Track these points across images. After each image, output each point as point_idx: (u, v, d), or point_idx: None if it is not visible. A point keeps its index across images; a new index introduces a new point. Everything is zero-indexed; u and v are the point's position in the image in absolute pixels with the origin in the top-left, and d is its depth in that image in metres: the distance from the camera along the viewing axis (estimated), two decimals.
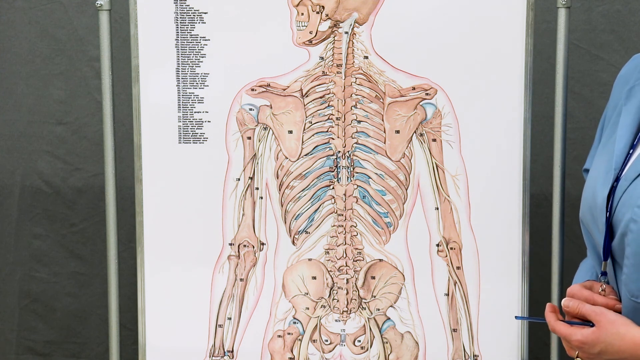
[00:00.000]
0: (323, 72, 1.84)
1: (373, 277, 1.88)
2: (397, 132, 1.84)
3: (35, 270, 2.51)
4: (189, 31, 1.84)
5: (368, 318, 1.90)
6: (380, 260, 1.88)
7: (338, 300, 1.89)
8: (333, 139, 1.86)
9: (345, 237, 1.87)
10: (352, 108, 1.85)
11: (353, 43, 1.83)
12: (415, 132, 1.84)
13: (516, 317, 1.82)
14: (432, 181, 1.85)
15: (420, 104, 1.83)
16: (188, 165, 1.88)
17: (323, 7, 1.82)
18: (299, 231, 1.88)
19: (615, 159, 1.42)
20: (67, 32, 2.41)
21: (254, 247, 1.89)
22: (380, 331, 1.90)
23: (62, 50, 2.42)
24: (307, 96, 1.85)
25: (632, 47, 2.17)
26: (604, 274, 1.44)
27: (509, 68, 1.80)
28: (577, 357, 1.44)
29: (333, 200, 1.87)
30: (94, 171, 2.45)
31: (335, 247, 1.88)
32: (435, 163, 1.84)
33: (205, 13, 1.84)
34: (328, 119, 1.85)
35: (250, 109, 1.86)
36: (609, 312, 1.40)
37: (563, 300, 1.45)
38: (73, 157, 2.46)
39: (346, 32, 1.82)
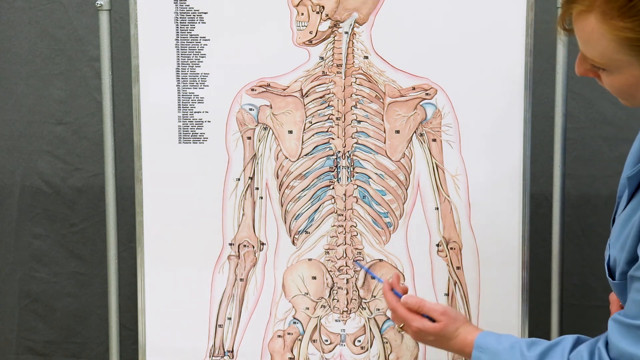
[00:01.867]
0: (323, 72, 1.84)
1: (373, 277, 1.88)
2: (397, 132, 1.84)
3: (35, 270, 2.51)
4: (189, 31, 1.84)
5: (368, 318, 1.90)
6: (380, 260, 1.88)
7: (338, 300, 1.89)
8: (333, 139, 1.86)
9: (345, 237, 1.87)
10: (352, 108, 1.85)
11: (353, 43, 1.83)
12: (415, 132, 1.84)
13: (355, 261, 1.84)
14: (432, 181, 1.85)
15: (420, 104, 1.83)
16: (188, 165, 1.88)
17: (323, 7, 1.82)
18: (299, 231, 1.88)
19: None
20: (67, 32, 2.41)
21: (254, 247, 1.89)
22: (380, 331, 1.90)
23: (62, 50, 2.42)
24: (307, 96, 1.85)
25: None
26: None
27: (509, 68, 1.80)
28: (400, 328, 1.64)
29: (333, 200, 1.87)
30: (94, 171, 2.45)
31: (335, 247, 1.88)
32: (435, 163, 1.84)
33: (205, 13, 1.84)
34: (328, 119, 1.85)
35: (250, 109, 1.86)
36: (451, 311, 1.61)
37: (403, 297, 1.63)
38: (73, 157, 2.46)
39: (346, 32, 1.82)
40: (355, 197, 1.86)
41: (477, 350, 1.54)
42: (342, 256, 1.88)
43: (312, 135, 1.86)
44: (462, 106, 1.82)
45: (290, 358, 1.91)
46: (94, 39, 2.29)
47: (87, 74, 2.42)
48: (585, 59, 1.38)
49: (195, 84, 1.86)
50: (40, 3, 2.40)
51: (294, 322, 1.91)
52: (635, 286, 1.34)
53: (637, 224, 1.35)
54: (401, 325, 1.64)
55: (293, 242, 1.89)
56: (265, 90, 1.85)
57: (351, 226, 1.87)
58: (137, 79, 1.86)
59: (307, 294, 1.90)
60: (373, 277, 1.83)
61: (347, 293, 1.89)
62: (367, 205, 1.86)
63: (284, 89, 1.85)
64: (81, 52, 2.41)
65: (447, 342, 1.60)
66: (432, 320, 1.59)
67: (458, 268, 1.85)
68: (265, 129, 1.86)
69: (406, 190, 1.86)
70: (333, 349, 1.91)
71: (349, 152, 1.86)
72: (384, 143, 1.85)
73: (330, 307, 1.90)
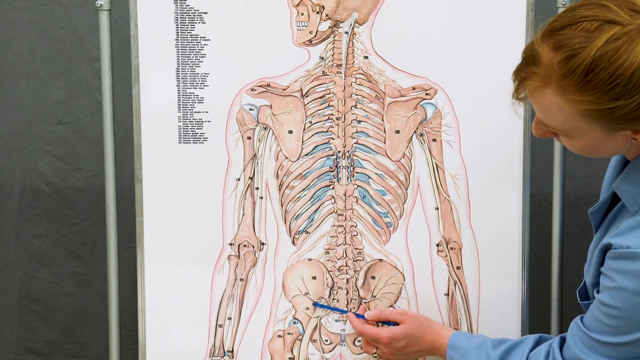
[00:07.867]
0: (323, 72, 1.84)
1: (373, 277, 1.88)
2: (397, 132, 1.84)
3: (35, 270, 2.51)
4: (189, 31, 1.84)
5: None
6: (380, 260, 1.88)
7: (338, 300, 1.89)
8: (333, 139, 1.86)
9: (345, 237, 1.88)
10: (352, 108, 1.85)
11: (353, 43, 1.83)
12: (415, 132, 1.84)
13: (314, 303, 1.88)
14: (432, 181, 1.85)
15: (420, 104, 1.83)
16: (188, 165, 1.88)
17: (323, 7, 1.82)
18: (299, 231, 1.88)
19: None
20: (67, 32, 2.41)
21: (254, 247, 1.89)
22: None
23: (62, 50, 2.42)
24: (307, 96, 1.85)
25: None
26: None
27: (509, 68, 1.80)
28: (374, 354, 1.79)
29: (333, 200, 1.87)
30: (94, 171, 2.45)
31: (335, 247, 1.88)
32: (435, 163, 1.84)
33: (205, 13, 1.84)
34: (328, 119, 1.85)
35: (250, 109, 1.86)
36: (410, 312, 1.78)
37: (366, 313, 1.81)
38: (73, 157, 2.46)
39: (346, 32, 1.82)
40: (355, 197, 1.86)
41: (450, 349, 1.66)
42: (342, 256, 1.88)
43: (312, 135, 1.86)
44: (462, 106, 1.82)
45: (290, 358, 1.91)
46: (94, 39, 2.29)
47: (87, 74, 2.42)
48: (543, 123, 1.40)
49: (195, 84, 1.86)
50: (40, 3, 2.41)
51: (294, 322, 1.91)
52: (595, 303, 1.45)
53: (597, 257, 1.47)
54: (374, 351, 1.78)
55: (293, 242, 1.89)
56: (265, 90, 1.85)
57: (351, 226, 1.87)
58: (137, 79, 1.86)
59: (307, 294, 1.90)
60: (336, 311, 1.88)
61: (347, 293, 1.89)
62: (367, 205, 1.86)
63: (284, 89, 1.85)
64: (81, 52, 2.41)
65: (418, 343, 1.72)
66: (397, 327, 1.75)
67: (458, 268, 1.85)
68: (265, 129, 1.87)
69: (406, 190, 1.86)
70: (333, 349, 1.91)
71: (349, 152, 1.86)
72: (384, 143, 1.85)
73: None
